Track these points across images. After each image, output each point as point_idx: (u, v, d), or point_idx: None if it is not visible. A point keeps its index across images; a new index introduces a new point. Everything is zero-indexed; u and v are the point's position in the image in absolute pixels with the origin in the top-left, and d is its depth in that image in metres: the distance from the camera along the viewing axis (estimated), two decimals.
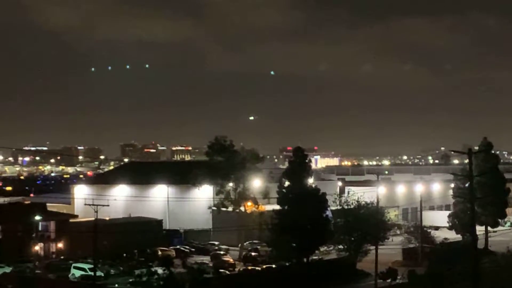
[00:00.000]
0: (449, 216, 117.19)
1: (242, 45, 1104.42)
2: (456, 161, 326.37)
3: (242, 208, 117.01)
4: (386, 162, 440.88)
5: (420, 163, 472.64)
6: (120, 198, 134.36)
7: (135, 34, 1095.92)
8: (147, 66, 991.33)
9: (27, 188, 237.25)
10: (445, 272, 71.22)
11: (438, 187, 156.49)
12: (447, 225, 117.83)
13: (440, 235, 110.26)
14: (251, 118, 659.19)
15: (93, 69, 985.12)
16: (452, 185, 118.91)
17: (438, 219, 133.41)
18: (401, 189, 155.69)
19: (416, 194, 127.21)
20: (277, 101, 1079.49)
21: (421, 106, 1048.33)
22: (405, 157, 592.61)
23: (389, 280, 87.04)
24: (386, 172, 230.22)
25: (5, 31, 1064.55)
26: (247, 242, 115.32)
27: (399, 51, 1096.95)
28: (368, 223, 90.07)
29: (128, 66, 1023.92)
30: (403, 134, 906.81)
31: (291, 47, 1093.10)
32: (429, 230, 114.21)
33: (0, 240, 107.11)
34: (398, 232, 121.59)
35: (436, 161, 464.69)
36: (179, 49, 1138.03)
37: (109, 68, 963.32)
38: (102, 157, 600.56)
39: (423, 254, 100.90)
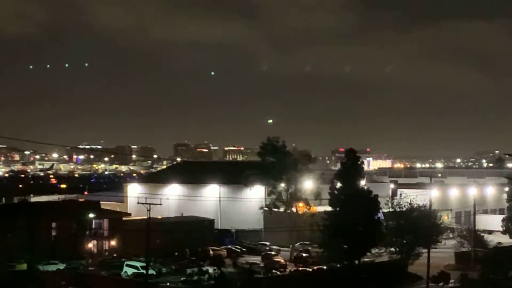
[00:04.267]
0: (503, 220, 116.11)
1: (293, 46, 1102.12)
2: (510, 165, 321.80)
3: (293, 209, 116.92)
4: (439, 165, 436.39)
5: (474, 166, 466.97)
6: (173, 197, 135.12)
7: (188, 35, 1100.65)
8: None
9: (81, 186, 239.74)
10: (499, 277, 70.57)
11: (492, 190, 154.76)
12: (501, 229, 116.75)
13: (493, 239, 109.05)
14: (270, 121, 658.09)
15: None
16: (507, 189, 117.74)
17: (491, 223, 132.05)
18: (454, 192, 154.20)
19: (469, 197, 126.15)
20: (329, 102, 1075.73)
21: (475, 109, 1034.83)
22: (458, 160, 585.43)
23: (441, 284, 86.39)
24: (439, 175, 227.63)
25: (59, 31, 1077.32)
26: (298, 243, 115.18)
27: (452, 53, 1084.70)
28: (420, 226, 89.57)
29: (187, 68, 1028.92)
30: (456, 137, 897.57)
31: (342, 49, 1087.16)
32: (482, 234, 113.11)
33: (54, 237, 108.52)
34: (450, 235, 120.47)
35: (490, 165, 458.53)
36: (231, 50, 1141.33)
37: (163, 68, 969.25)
38: (155, 156, 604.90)
39: (476, 259, 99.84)
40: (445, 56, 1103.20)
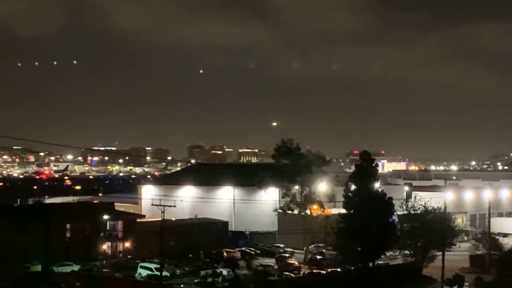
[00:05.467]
0: None
1: (310, 47, 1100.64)
2: None
3: (308, 211, 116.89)
4: (453, 168, 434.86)
5: (489, 169, 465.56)
6: (187, 199, 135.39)
7: (203, 35, 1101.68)
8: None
9: (96, 187, 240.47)
10: None
11: (507, 193, 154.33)
12: None
13: (508, 242, 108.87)
14: (274, 124, 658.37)
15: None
16: None
17: (506, 226, 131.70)
18: (469, 195, 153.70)
19: (484, 200, 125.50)
20: (345, 103, 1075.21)
21: (491, 111, 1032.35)
22: (473, 163, 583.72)
23: (455, 287, 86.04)
24: (454, 178, 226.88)
25: (75, 33, 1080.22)
26: (313, 245, 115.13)
27: (470, 54, 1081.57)
28: (435, 229, 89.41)
29: (201, 71, 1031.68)
30: (471, 139, 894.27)
31: (359, 49, 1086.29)
32: (497, 237, 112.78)
33: (69, 239, 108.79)
34: (465, 238, 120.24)
35: (505, 167, 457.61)
36: (247, 50, 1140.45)
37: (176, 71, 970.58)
38: (169, 158, 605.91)
39: (491, 262, 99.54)
40: (463, 57, 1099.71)
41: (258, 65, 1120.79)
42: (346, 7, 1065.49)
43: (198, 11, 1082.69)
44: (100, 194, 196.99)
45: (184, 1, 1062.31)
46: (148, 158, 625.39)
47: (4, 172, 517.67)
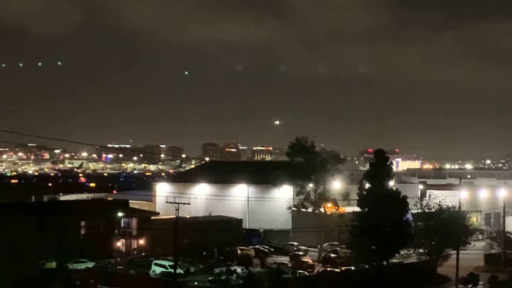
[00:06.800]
0: None
1: (325, 46, 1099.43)
2: None
3: (322, 209, 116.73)
4: (468, 166, 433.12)
5: (504, 168, 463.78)
6: (201, 197, 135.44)
7: (219, 34, 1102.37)
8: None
9: (110, 185, 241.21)
10: None
11: None
12: None
13: None
14: (277, 122, 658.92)
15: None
16: None
17: None
18: (483, 194, 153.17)
19: (499, 199, 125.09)
20: (359, 102, 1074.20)
21: (507, 110, 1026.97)
22: (488, 161, 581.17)
23: (470, 286, 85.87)
24: (469, 176, 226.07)
25: (90, 31, 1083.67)
26: (327, 244, 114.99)
27: (486, 53, 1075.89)
28: (449, 227, 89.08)
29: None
30: (486, 138, 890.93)
31: (375, 48, 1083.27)
32: None
33: (83, 236, 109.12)
34: (480, 237, 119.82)
35: None
36: (261, 49, 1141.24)
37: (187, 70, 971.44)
38: (183, 155, 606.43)
39: (506, 260, 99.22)
40: (479, 56, 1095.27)
41: (273, 63, 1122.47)
42: (362, 6, 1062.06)
43: (214, 11, 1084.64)
44: (114, 192, 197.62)
45: (200, 1, 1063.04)
46: (162, 155, 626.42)
47: (19, 169, 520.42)
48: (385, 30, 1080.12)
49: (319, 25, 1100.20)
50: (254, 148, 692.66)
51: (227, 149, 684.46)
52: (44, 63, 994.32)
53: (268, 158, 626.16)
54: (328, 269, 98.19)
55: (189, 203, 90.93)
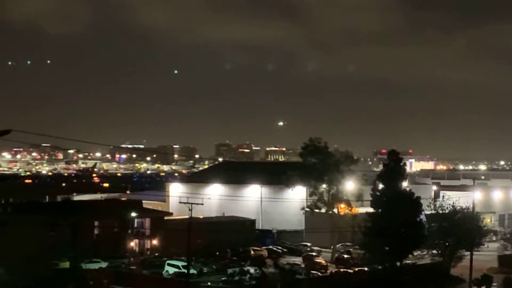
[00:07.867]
0: None
1: (337, 46, 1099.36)
2: None
3: (335, 210, 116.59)
4: (482, 167, 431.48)
5: None
6: (214, 197, 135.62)
7: (230, 34, 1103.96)
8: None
9: (123, 185, 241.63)
10: None
11: None
12: None
13: None
14: (280, 123, 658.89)
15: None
16: None
17: None
18: (497, 195, 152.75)
19: None
20: (373, 102, 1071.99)
21: None
22: (502, 162, 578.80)
23: (483, 287, 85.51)
24: (483, 177, 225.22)
25: (102, 31, 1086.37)
26: (340, 244, 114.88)
27: (498, 54, 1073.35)
28: (463, 229, 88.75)
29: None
30: (500, 139, 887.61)
31: (386, 49, 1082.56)
32: None
33: (97, 236, 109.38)
34: (494, 238, 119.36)
35: None
36: (272, 49, 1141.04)
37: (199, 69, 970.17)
38: (197, 156, 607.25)
39: None
40: (491, 57, 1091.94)
41: (287, 64, 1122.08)
42: (372, 7, 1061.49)
43: (224, 11, 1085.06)
44: (128, 192, 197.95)
45: (210, 1, 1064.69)
46: (175, 156, 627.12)
47: (33, 169, 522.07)
48: (395, 31, 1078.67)
49: (330, 26, 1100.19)
50: (268, 149, 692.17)
51: (240, 150, 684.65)
52: (58, 63, 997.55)
53: (281, 158, 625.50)
54: (341, 270, 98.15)
55: (202, 204, 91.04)
